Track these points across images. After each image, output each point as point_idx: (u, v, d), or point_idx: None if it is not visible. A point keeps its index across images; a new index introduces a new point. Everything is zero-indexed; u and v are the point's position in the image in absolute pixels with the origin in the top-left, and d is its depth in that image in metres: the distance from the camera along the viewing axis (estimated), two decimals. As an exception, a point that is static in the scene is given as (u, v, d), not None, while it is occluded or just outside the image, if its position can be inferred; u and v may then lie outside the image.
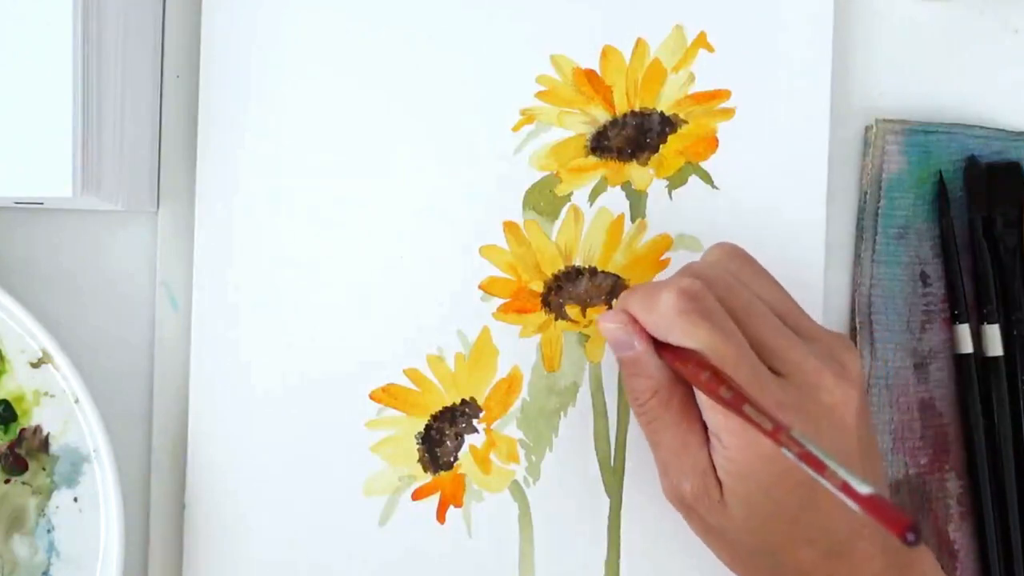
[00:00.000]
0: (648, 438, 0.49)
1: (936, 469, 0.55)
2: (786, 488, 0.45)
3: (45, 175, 0.46)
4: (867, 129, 0.55)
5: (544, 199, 0.54)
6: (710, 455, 0.46)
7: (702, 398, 0.46)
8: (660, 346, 0.47)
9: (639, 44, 0.54)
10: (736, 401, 0.43)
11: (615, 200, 0.54)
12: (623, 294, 0.49)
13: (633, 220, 0.54)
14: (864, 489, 0.36)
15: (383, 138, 0.53)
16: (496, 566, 0.53)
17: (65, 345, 0.50)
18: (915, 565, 0.47)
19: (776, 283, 0.49)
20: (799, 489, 0.45)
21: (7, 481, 0.50)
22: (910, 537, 0.35)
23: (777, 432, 0.41)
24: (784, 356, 0.46)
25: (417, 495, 0.53)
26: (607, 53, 0.54)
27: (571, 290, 0.53)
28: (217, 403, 0.52)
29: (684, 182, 0.54)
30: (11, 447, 0.50)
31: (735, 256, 0.49)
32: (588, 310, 0.53)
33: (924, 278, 0.55)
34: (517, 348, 0.53)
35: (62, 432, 0.50)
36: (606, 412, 0.53)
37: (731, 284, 0.47)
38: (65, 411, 0.50)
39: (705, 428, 0.47)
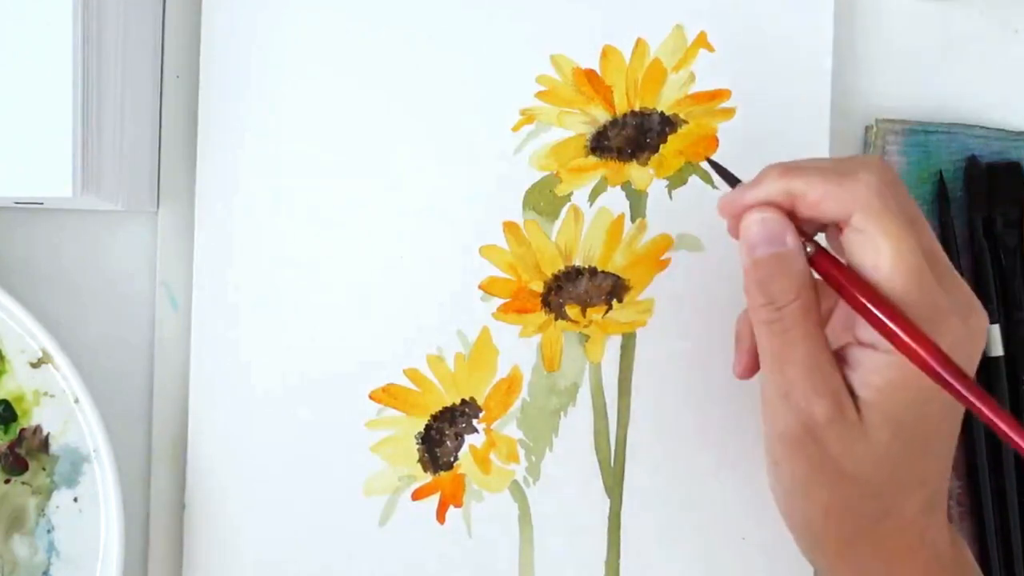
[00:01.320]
0: (771, 357, 0.44)
1: (936, 469, 0.55)
2: (935, 405, 0.42)
3: (45, 175, 0.46)
4: (867, 129, 0.55)
5: (544, 199, 0.54)
6: (844, 375, 0.43)
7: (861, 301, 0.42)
8: (819, 252, 0.44)
9: (639, 44, 0.54)
10: (908, 329, 0.41)
11: (615, 200, 0.54)
12: (782, 168, 0.44)
13: (633, 220, 0.54)
14: None
15: (383, 138, 0.53)
16: (496, 566, 0.53)
17: (65, 345, 0.50)
18: (957, 544, 0.46)
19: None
20: (944, 410, 0.43)
21: (7, 481, 0.50)
22: None
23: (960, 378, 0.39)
24: (946, 269, 0.43)
25: (417, 495, 0.53)
26: (607, 53, 0.54)
27: (571, 290, 0.53)
28: (217, 403, 0.52)
29: (684, 182, 0.54)
30: (11, 447, 0.50)
31: (892, 168, 0.45)
32: (588, 310, 0.53)
33: (924, 278, 0.55)
34: (517, 348, 0.53)
35: (62, 432, 0.50)
36: (606, 412, 0.53)
37: (905, 187, 0.44)
38: (65, 411, 0.50)
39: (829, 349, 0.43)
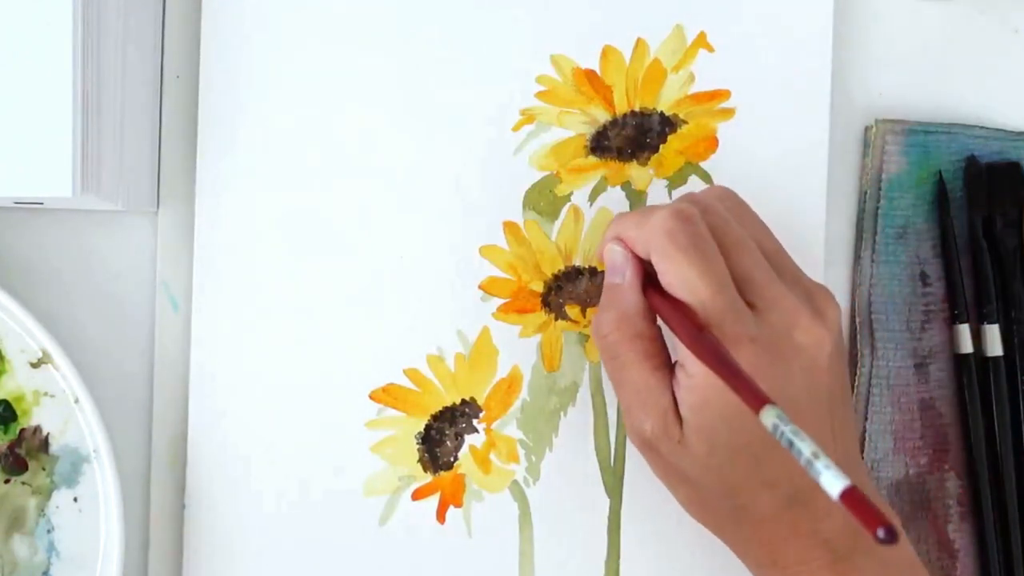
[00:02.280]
0: (610, 378, 0.48)
1: (936, 469, 0.55)
2: (749, 422, 0.44)
3: (45, 175, 0.46)
4: (867, 129, 0.55)
5: (544, 199, 0.54)
6: (673, 396, 0.46)
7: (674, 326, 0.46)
8: (647, 284, 0.48)
9: (639, 44, 0.54)
10: (711, 353, 0.43)
11: (615, 200, 0.54)
12: (617, 216, 0.49)
13: (633, 220, 0.54)
14: (839, 483, 0.36)
15: (383, 138, 0.53)
16: (496, 566, 0.53)
17: (65, 345, 0.50)
18: (864, 544, 0.47)
19: (766, 227, 0.49)
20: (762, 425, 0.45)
21: (7, 481, 0.50)
22: (881, 535, 0.34)
23: (754, 399, 0.40)
24: (764, 292, 0.46)
25: (417, 495, 0.53)
26: (607, 53, 0.54)
27: (571, 290, 0.53)
28: (217, 403, 0.52)
29: (684, 182, 0.54)
30: (11, 447, 0.50)
31: (730, 195, 0.49)
32: (588, 310, 0.53)
33: (924, 278, 0.55)
34: (517, 348, 0.53)
35: (62, 432, 0.50)
36: (606, 412, 0.53)
37: (724, 216, 0.47)
38: (65, 411, 0.50)
39: (670, 371, 0.47)
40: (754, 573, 0.49)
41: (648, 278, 0.48)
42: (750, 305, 0.46)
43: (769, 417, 0.39)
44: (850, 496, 0.35)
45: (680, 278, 0.45)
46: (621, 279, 0.48)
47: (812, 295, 0.47)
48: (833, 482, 0.36)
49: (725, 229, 0.47)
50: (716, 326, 0.45)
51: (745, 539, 0.48)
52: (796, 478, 0.46)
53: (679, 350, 0.46)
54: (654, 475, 0.49)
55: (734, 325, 0.45)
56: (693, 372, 0.45)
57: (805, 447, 0.37)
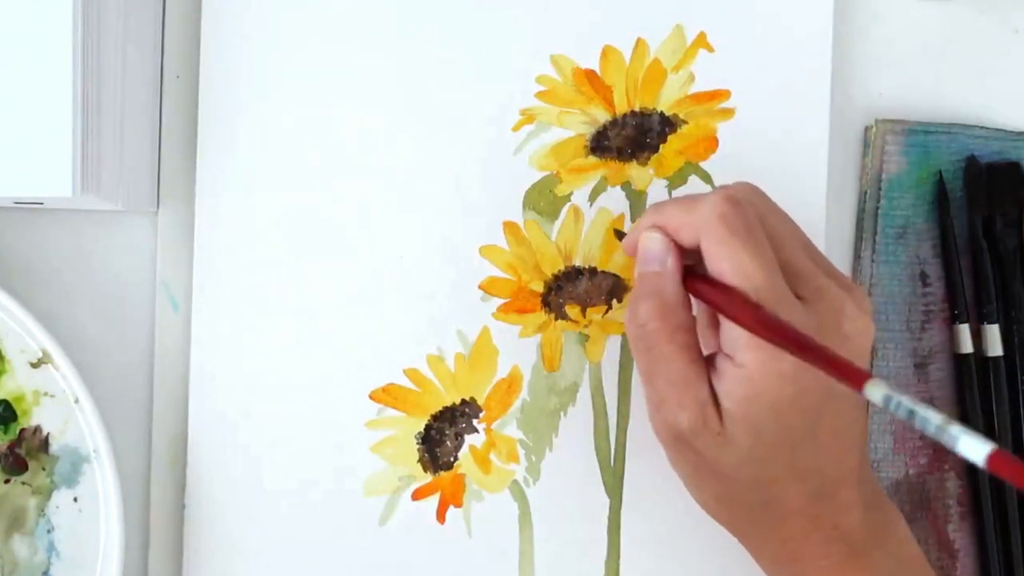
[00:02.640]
0: (642, 370, 0.47)
1: (936, 469, 0.55)
2: (797, 411, 0.44)
3: (45, 175, 0.46)
4: (867, 129, 0.55)
5: (544, 199, 0.54)
6: (711, 388, 0.46)
7: (721, 317, 0.45)
8: (687, 271, 0.47)
9: (639, 44, 0.54)
10: (784, 330, 0.42)
11: (615, 200, 0.54)
12: (655, 204, 0.48)
13: (633, 220, 0.54)
14: (983, 448, 0.34)
15: (383, 138, 0.53)
16: (496, 566, 0.53)
17: (65, 345, 0.50)
18: (889, 526, 0.48)
19: (796, 223, 0.48)
20: (808, 414, 0.45)
21: (7, 481, 0.50)
22: None
23: (855, 375, 0.39)
24: (810, 281, 0.46)
25: (417, 495, 0.53)
26: (607, 53, 0.54)
27: (571, 290, 0.53)
28: (217, 403, 0.52)
29: (684, 182, 0.54)
30: (11, 447, 0.50)
31: (761, 191, 0.48)
32: (588, 310, 0.53)
33: (924, 278, 0.55)
34: (517, 348, 0.53)
35: (62, 432, 0.50)
36: (606, 412, 0.53)
37: (768, 207, 0.47)
38: (65, 411, 0.50)
39: (705, 364, 0.46)
40: (768, 571, 0.49)
41: (688, 265, 0.47)
42: (796, 296, 0.45)
43: (879, 390, 0.38)
44: (998, 459, 0.34)
45: (735, 263, 0.44)
46: (661, 266, 0.47)
47: (850, 288, 0.47)
48: (976, 447, 0.34)
49: (768, 219, 0.46)
50: (774, 306, 0.44)
51: (766, 535, 0.48)
52: (825, 471, 0.46)
53: (726, 340, 0.45)
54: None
55: (787, 314, 0.44)
56: (745, 362, 0.44)
57: (932, 415, 0.36)
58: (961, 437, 0.35)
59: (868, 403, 0.53)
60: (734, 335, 0.45)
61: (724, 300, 0.45)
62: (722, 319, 0.45)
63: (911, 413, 0.37)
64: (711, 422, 0.45)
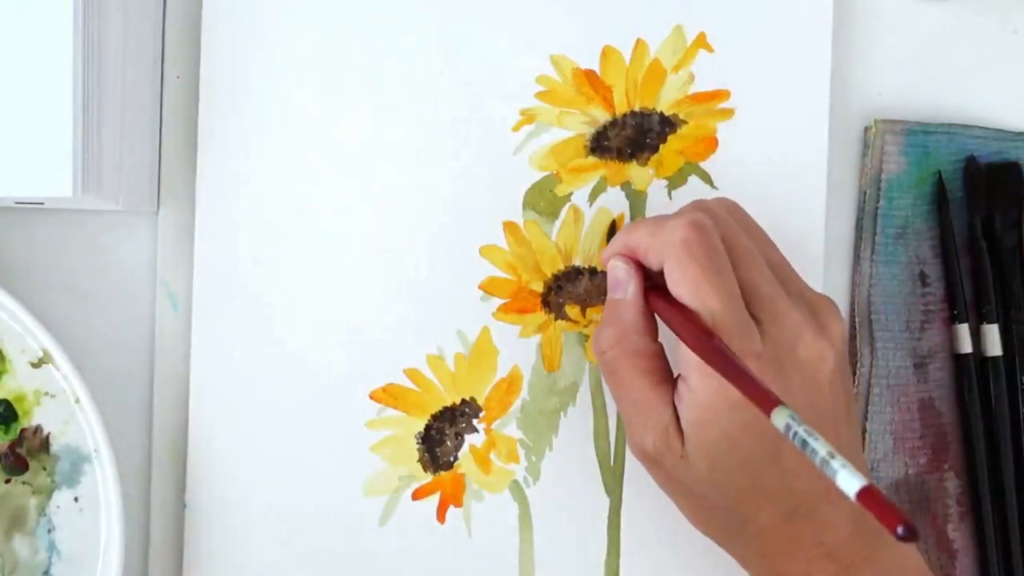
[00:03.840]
0: (611, 393, 0.49)
1: (935, 469, 0.55)
2: (751, 439, 0.45)
3: (45, 175, 0.46)
4: (866, 129, 0.55)
5: (544, 199, 0.54)
6: (674, 411, 0.46)
7: (679, 341, 0.46)
8: (652, 290, 0.48)
9: (639, 44, 0.54)
10: (721, 358, 0.43)
11: (615, 200, 0.54)
12: (628, 226, 0.49)
13: (633, 220, 0.54)
14: (856, 482, 0.36)
15: (383, 138, 0.53)
16: (496, 566, 0.53)
17: (65, 345, 0.50)
18: (883, 537, 0.47)
19: (771, 240, 0.49)
20: (764, 440, 0.45)
21: (8, 481, 0.50)
22: (901, 532, 0.34)
23: (766, 401, 0.40)
24: (769, 306, 0.46)
25: (417, 495, 0.53)
26: (607, 53, 0.54)
27: (571, 290, 0.53)
28: (217, 403, 0.52)
29: (684, 182, 0.54)
30: (12, 447, 0.50)
31: (737, 208, 0.49)
32: (588, 310, 0.53)
33: (923, 278, 0.55)
34: (517, 348, 0.53)
35: (63, 432, 0.50)
36: (606, 412, 0.54)
37: (735, 228, 0.47)
38: (65, 411, 0.50)
39: (672, 387, 0.47)
40: None
41: (653, 285, 0.48)
42: (754, 318, 0.46)
43: (781, 418, 0.39)
44: (867, 495, 0.35)
45: (693, 290, 0.45)
46: (624, 295, 0.48)
47: (817, 309, 0.47)
48: (850, 481, 0.36)
49: (735, 241, 0.47)
50: (723, 340, 0.45)
51: (748, 552, 0.48)
52: (797, 491, 0.46)
53: (682, 364, 0.46)
54: (657, 483, 0.49)
55: (741, 340, 0.45)
56: (695, 387, 0.45)
57: (820, 447, 0.37)
58: (840, 471, 0.36)
59: (864, 411, 0.54)
60: (687, 359, 0.45)
61: (680, 323, 0.45)
62: (677, 341, 0.46)
63: (804, 443, 0.38)
64: (673, 445, 0.46)
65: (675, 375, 0.47)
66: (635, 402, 0.47)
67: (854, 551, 0.46)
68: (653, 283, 0.48)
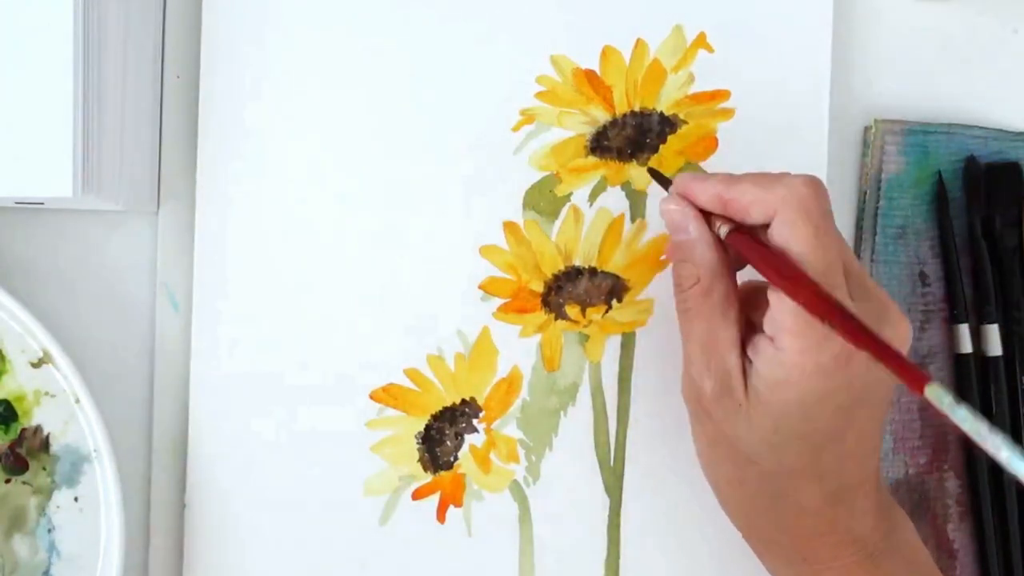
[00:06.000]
0: (680, 329, 0.48)
1: (935, 469, 0.55)
2: (827, 408, 0.44)
3: (45, 175, 0.46)
4: (866, 129, 0.55)
5: (544, 199, 0.54)
6: (740, 358, 0.45)
7: (773, 294, 0.44)
8: (739, 233, 0.46)
9: (639, 44, 0.54)
10: (830, 307, 0.41)
11: (615, 200, 0.54)
12: (727, 176, 0.47)
13: (633, 220, 0.54)
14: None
15: (383, 138, 0.53)
16: (496, 566, 0.53)
17: (65, 345, 0.50)
18: (899, 531, 0.48)
19: None
20: (838, 414, 0.44)
21: (8, 481, 0.50)
22: None
23: (915, 380, 0.38)
24: (859, 280, 0.45)
25: (417, 495, 0.53)
26: (607, 53, 0.54)
27: (571, 290, 0.53)
28: (217, 403, 0.52)
29: (684, 182, 0.54)
30: (12, 447, 0.50)
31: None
32: (588, 310, 0.53)
33: (923, 278, 0.55)
34: (517, 348, 0.53)
35: (63, 432, 0.50)
36: (606, 412, 0.54)
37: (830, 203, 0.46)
38: (66, 411, 0.50)
39: (739, 330, 0.46)
40: (775, 570, 0.48)
41: (738, 227, 0.46)
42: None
43: (936, 396, 0.37)
44: None
45: (805, 245, 0.44)
46: (687, 235, 0.47)
47: (889, 296, 0.46)
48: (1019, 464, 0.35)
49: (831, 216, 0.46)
50: (833, 287, 0.43)
51: (778, 532, 0.47)
52: (846, 474, 0.45)
53: (774, 319, 0.44)
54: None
55: (847, 299, 0.44)
56: (785, 346, 0.44)
57: (989, 432, 0.36)
58: (1009, 452, 0.35)
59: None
60: (780, 317, 0.44)
61: (782, 272, 0.44)
62: (773, 299, 0.44)
63: (977, 432, 0.36)
64: (736, 393, 0.45)
65: (754, 332, 0.46)
66: (701, 339, 0.46)
67: (878, 541, 0.46)
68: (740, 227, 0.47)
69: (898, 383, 0.42)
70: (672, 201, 0.48)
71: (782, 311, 0.43)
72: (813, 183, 0.45)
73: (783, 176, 0.45)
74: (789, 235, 0.44)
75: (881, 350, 0.40)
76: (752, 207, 0.45)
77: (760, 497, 0.47)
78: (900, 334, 0.45)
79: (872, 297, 0.45)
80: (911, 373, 0.39)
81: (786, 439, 0.45)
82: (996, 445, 0.36)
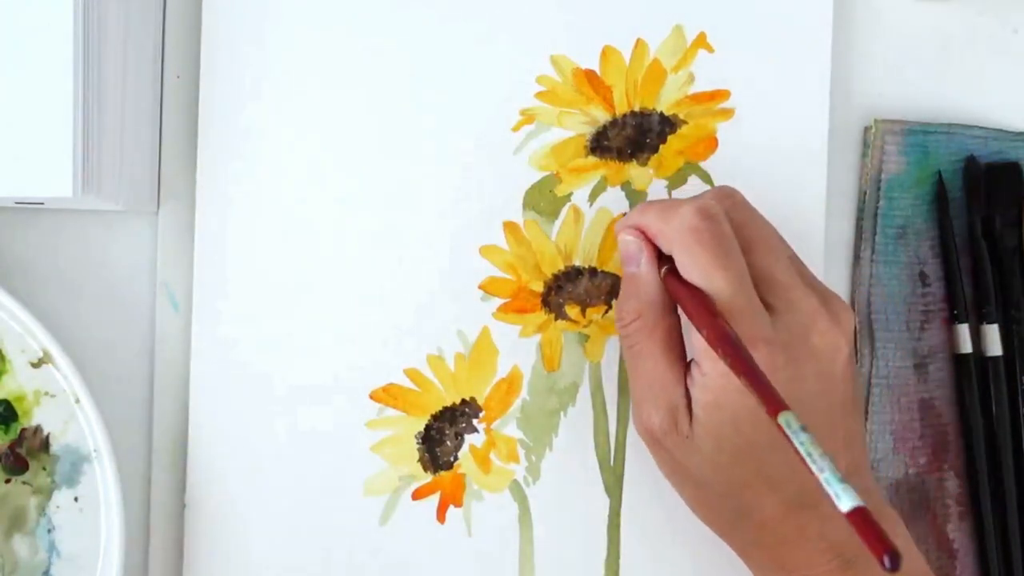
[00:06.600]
0: (627, 368, 0.49)
1: (935, 469, 0.55)
2: (758, 424, 0.45)
3: (45, 175, 0.46)
4: (866, 129, 0.55)
5: (544, 199, 0.54)
6: (685, 391, 0.46)
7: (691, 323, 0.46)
8: (669, 272, 0.47)
9: (639, 44, 0.54)
10: (730, 344, 0.43)
11: (615, 200, 0.54)
12: (642, 205, 0.49)
13: (633, 220, 0.54)
14: (850, 501, 0.36)
15: (383, 138, 0.53)
16: (496, 566, 0.53)
17: (65, 345, 0.50)
18: (886, 528, 0.47)
19: (778, 233, 0.49)
20: (770, 427, 0.44)
21: (8, 481, 0.50)
22: (887, 563, 0.34)
23: (772, 404, 0.40)
24: (784, 292, 0.46)
25: (417, 495, 0.53)
26: (607, 53, 0.54)
27: (571, 290, 0.53)
28: (217, 403, 0.52)
29: (684, 182, 0.54)
30: (12, 447, 0.50)
31: (745, 199, 0.49)
32: (588, 310, 0.53)
33: (923, 278, 0.55)
34: (517, 348, 0.53)
35: (63, 432, 0.50)
36: (606, 412, 0.54)
37: (751, 213, 0.48)
38: (66, 411, 0.50)
39: (685, 366, 0.47)
40: None
41: (670, 266, 0.47)
42: (768, 306, 0.46)
43: (785, 423, 0.39)
44: (858, 516, 0.35)
45: (702, 275, 0.45)
46: (636, 267, 0.48)
47: (828, 300, 0.47)
48: (844, 499, 0.36)
49: (751, 227, 0.47)
50: (733, 325, 0.44)
51: (749, 542, 0.48)
52: (802, 481, 0.46)
53: (695, 347, 0.46)
54: (659, 473, 0.49)
55: (751, 325, 0.45)
56: (707, 371, 0.45)
57: (819, 457, 0.37)
58: (835, 485, 0.37)
59: (864, 410, 0.53)
60: (698, 344, 0.46)
61: (692, 305, 0.45)
62: (691, 326, 0.46)
63: (806, 452, 0.38)
64: (680, 425, 0.46)
65: (689, 359, 0.47)
66: (648, 378, 0.47)
67: (856, 546, 0.46)
68: (668, 261, 0.48)
69: (858, 389, 0.46)
70: (629, 231, 0.49)
71: (699, 338, 0.45)
72: (704, 209, 0.46)
73: (680, 206, 0.47)
74: (685, 267, 0.46)
75: (752, 379, 0.41)
76: (657, 239, 0.48)
77: (724, 514, 0.48)
78: (828, 342, 0.46)
79: (797, 308, 0.46)
80: (771, 401, 0.40)
81: (729, 457, 0.46)
82: (820, 468, 0.37)
